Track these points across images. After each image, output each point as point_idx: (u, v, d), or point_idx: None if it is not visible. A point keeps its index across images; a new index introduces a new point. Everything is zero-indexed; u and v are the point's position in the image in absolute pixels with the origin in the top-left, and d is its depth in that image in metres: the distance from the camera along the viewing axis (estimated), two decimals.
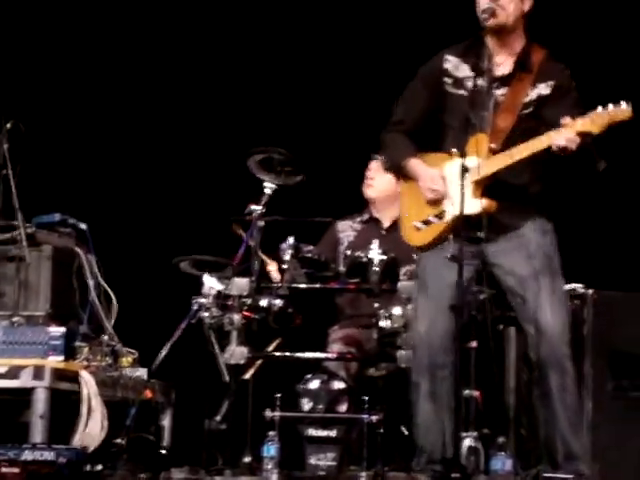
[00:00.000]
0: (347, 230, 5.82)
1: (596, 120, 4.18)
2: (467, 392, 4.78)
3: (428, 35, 6.37)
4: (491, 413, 4.95)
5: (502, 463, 4.52)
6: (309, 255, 5.18)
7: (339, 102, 6.74)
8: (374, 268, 5.09)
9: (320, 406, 4.92)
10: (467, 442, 4.62)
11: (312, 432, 4.80)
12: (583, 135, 4.19)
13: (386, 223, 5.80)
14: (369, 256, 5.13)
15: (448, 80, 4.51)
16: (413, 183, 4.56)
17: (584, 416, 4.67)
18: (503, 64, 4.49)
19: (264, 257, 5.31)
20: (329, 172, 6.49)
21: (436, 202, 4.44)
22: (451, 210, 4.35)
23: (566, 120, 4.22)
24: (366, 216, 5.86)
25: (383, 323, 5.04)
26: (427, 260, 4.49)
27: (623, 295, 5.25)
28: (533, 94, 4.43)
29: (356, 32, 6.75)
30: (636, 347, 5.16)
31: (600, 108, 4.21)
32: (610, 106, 4.19)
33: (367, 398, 4.84)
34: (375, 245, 5.17)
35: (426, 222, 4.43)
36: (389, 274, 5.12)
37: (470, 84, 4.45)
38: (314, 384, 4.96)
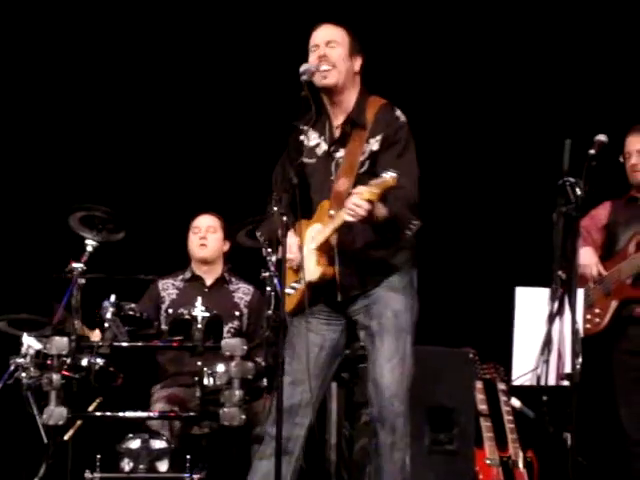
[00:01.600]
0: (169, 288, 5.81)
1: (373, 189, 4.21)
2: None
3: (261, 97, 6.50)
4: (313, 469, 4.98)
5: None
6: (131, 313, 5.13)
7: (162, 160, 6.74)
8: (197, 325, 5.09)
9: (141, 466, 4.86)
10: None
11: None
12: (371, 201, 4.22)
13: (209, 281, 5.81)
14: (192, 313, 5.12)
15: (303, 151, 4.55)
16: None
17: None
18: (339, 126, 4.52)
19: (86, 331, 5.23)
20: (151, 230, 6.47)
21: (297, 269, 4.47)
22: (303, 275, 4.37)
23: (359, 188, 4.25)
24: (189, 274, 5.86)
25: (206, 381, 5.03)
26: (296, 323, 4.49)
27: (440, 350, 5.39)
28: (366, 151, 4.46)
29: (173, 95, 6.79)
30: (452, 401, 5.29)
31: (374, 179, 4.25)
32: (383, 174, 4.22)
33: (190, 457, 4.81)
34: (198, 303, 5.17)
35: (292, 288, 4.47)
36: (212, 331, 5.12)
37: (318, 151, 4.52)
38: (135, 444, 4.90)
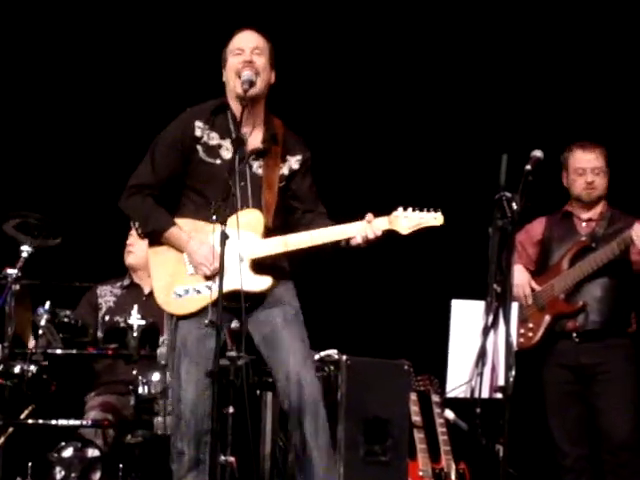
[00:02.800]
0: (107, 295, 5.78)
1: (407, 224, 4.33)
2: (223, 458, 4.79)
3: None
4: (246, 479, 4.97)
5: None
6: (66, 320, 5.10)
7: (99, 166, 6.70)
8: (133, 334, 5.07)
9: (73, 475, 4.84)
10: None
11: None
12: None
13: (147, 289, 5.77)
14: (128, 322, 5.10)
15: (200, 148, 4.47)
16: (165, 248, 4.50)
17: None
18: (253, 135, 4.49)
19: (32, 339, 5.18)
20: (88, 236, 6.43)
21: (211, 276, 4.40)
22: (226, 284, 4.21)
23: (377, 220, 4.33)
24: (127, 281, 5.83)
25: (141, 390, 5.00)
26: (189, 327, 4.44)
27: (375, 362, 5.40)
28: (285, 168, 4.49)
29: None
30: (386, 412, 5.31)
31: (413, 213, 4.36)
32: (425, 213, 4.35)
33: (122, 466, 4.78)
34: (135, 311, 5.14)
35: (192, 291, 4.41)
36: (148, 340, 5.10)
37: (225, 154, 4.47)
38: (67, 452, 4.87)
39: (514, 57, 6.74)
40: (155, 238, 4.52)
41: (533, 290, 5.44)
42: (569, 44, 6.67)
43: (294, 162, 4.50)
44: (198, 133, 4.48)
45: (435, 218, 4.35)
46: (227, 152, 4.48)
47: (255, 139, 4.51)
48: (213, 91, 4.57)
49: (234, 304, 4.32)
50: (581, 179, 5.44)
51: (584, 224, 5.49)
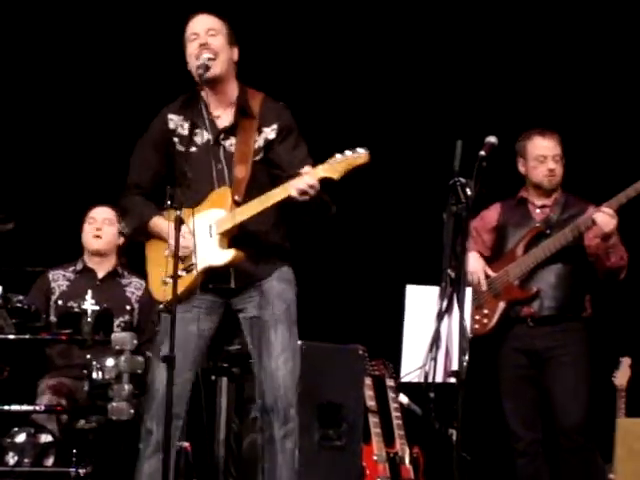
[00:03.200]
0: (60, 279, 5.74)
1: (336, 167, 4.28)
2: (178, 443, 4.79)
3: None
4: (201, 464, 4.98)
5: None
6: (19, 305, 5.05)
7: (52, 150, 6.66)
8: (87, 319, 5.05)
9: (26, 460, 4.81)
10: None
11: None
12: (322, 181, 4.28)
13: (101, 274, 5.75)
14: (82, 307, 5.08)
15: (176, 139, 4.52)
16: (156, 241, 4.54)
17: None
18: (223, 115, 4.53)
19: None
20: (40, 221, 6.38)
21: (184, 258, 4.40)
22: (199, 263, 4.34)
23: (306, 169, 4.30)
24: (80, 266, 5.79)
25: (95, 375, 4.98)
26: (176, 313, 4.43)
27: (330, 347, 5.42)
28: (260, 140, 4.48)
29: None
30: (341, 397, 5.34)
31: (338, 155, 4.30)
32: (347, 152, 4.29)
33: (76, 451, 4.76)
34: (89, 296, 5.12)
35: (175, 276, 4.42)
36: (102, 325, 5.08)
37: (198, 139, 4.50)
38: (20, 438, 4.84)
39: (467, 43, 6.77)
40: (142, 232, 4.57)
41: (488, 277, 5.47)
42: (518, 31, 6.70)
43: (270, 132, 4.49)
44: (172, 126, 4.53)
45: (360, 156, 4.30)
46: (200, 138, 4.52)
47: (226, 119, 4.53)
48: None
49: (220, 285, 4.40)
50: (542, 166, 5.45)
51: (538, 210, 5.52)
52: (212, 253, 4.37)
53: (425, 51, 6.80)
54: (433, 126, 6.66)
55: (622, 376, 5.57)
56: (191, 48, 4.48)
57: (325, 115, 6.68)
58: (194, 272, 4.37)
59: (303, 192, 4.27)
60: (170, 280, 4.34)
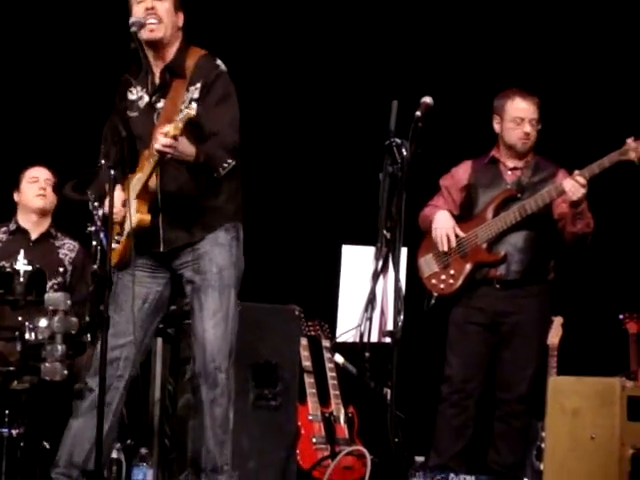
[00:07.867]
0: None
1: (178, 124, 4.22)
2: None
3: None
4: (135, 424, 4.96)
5: (143, 474, 4.56)
6: None
7: None
8: (19, 279, 5.00)
9: None
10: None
11: None
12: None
13: (34, 235, 5.70)
14: (14, 267, 5.02)
15: (127, 105, 4.52)
16: None
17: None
18: (157, 78, 4.50)
19: None
20: None
21: (121, 222, 4.42)
22: (126, 227, 4.36)
23: (166, 128, 4.22)
24: (13, 226, 5.73)
25: (27, 335, 4.93)
26: (120, 276, 4.45)
27: (265, 307, 5.42)
28: (187, 99, 4.39)
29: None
30: (276, 357, 5.34)
31: (182, 110, 4.25)
32: (185, 109, 4.23)
33: (9, 412, 4.72)
34: (21, 256, 5.07)
35: (115, 242, 4.42)
36: (35, 286, 5.03)
37: (140, 104, 4.48)
38: None
39: (408, 3, 6.75)
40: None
41: (457, 236, 5.45)
42: None
43: (194, 91, 4.43)
44: (128, 91, 4.52)
45: (188, 109, 4.27)
46: (142, 101, 4.49)
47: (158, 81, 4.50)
48: None
49: (152, 249, 4.40)
50: (519, 129, 5.40)
51: (509, 172, 5.48)
52: (129, 218, 4.35)
53: (366, 12, 6.76)
54: (370, 86, 6.65)
55: (554, 335, 5.61)
56: (137, 10, 4.42)
57: (261, 71, 6.64)
58: (122, 239, 4.38)
59: (161, 152, 4.23)
60: (115, 245, 4.34)
